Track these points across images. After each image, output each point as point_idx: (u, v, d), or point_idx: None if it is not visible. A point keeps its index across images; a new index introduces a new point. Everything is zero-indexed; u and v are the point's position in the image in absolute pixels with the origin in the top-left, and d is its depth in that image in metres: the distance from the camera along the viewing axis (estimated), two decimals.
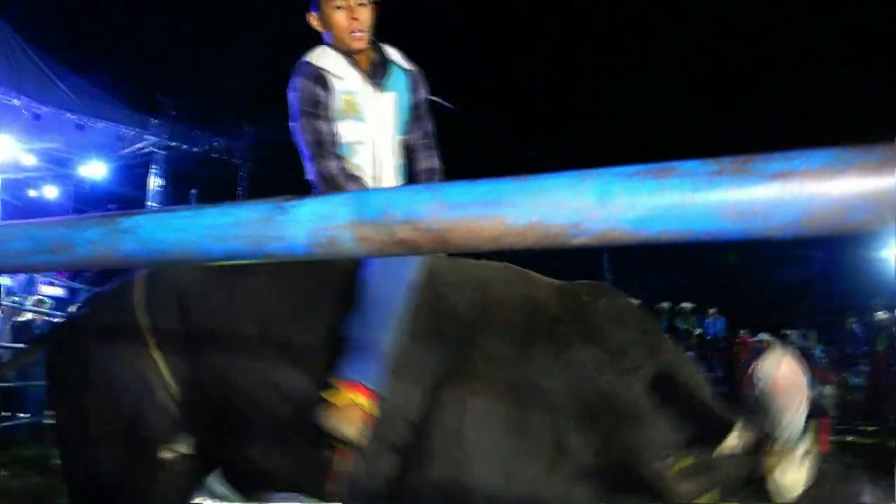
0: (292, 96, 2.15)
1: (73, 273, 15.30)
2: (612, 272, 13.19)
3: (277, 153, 13.85)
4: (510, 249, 0.55)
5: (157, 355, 1.88)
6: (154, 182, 15.16)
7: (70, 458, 2.04)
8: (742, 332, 12.89)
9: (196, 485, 2.05)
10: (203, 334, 1.90)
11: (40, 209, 14.91)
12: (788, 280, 14.68)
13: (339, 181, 2.06)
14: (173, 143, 15.04)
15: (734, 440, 1.65)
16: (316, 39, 2.24)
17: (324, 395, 1.79)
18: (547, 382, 1.80)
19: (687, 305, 13.69)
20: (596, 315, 1.94)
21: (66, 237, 0.74)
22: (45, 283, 13.59)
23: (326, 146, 2.10)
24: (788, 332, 12.87)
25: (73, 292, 13.29)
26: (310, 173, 2.16)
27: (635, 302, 2.18)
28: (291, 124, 2.16)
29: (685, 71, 14.19)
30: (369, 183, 2.15)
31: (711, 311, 13.51)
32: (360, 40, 2.16)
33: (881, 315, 11.52)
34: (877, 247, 12.07)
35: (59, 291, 13.38)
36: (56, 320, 8.24)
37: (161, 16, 12.96)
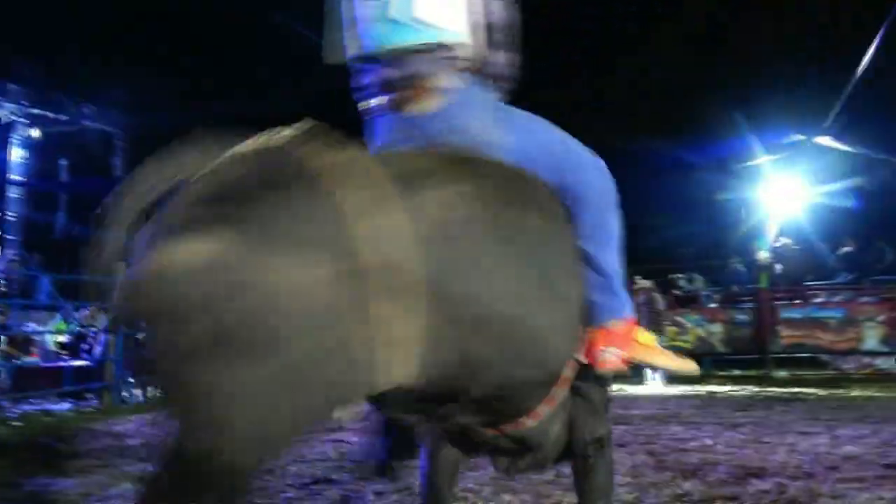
0: None
1: None
2: None
3: (158, 118, 12.93)
4: None
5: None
6: (16, 153, 13.85)
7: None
8: (635, 278, 13.44)
9: None
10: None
11: None
12: (674, 228, 15.38)
13: None
14: (35, 111, 13.77)
15: None
16: None
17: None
18: None
19: None
20: None
21: None
22: None
23: None
24: (677, 276, 13.52)
25: None
26: None
27: None
28: None
29: None
30: None
31: None
32: None
33: (762, 255, 12.25)
34: (752, 189, 12.81)
35: None
36: None
37: None
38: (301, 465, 4.56)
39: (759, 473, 4.09)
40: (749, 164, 12.05)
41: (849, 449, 4.85)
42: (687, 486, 3.84)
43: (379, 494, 3.72)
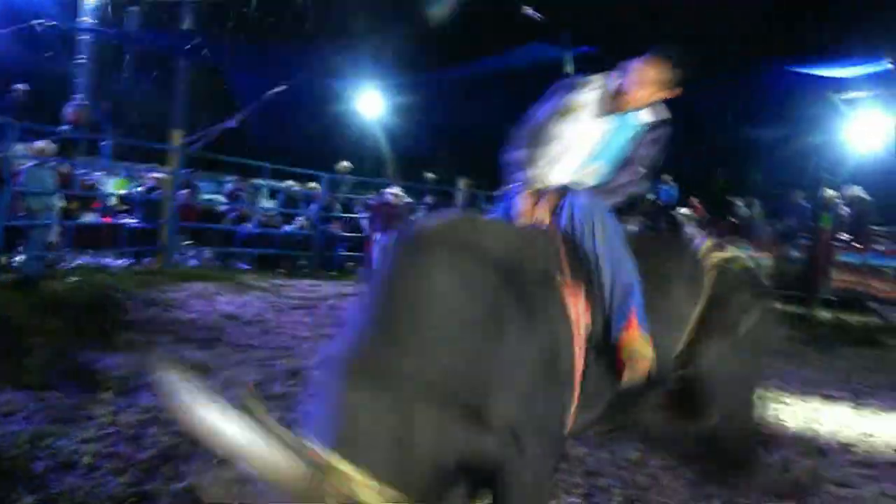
0: None
1: None
2: None
3: None
4: None
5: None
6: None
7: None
8: (693, 198, 13.13)
9: None
10: None
11: None
12: (740, 150, 14.75)
13: None
14: None
15: None
16: None
17: None
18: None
19: None
20: None
21: None
22: None
23: None
24: (735, 200, 13.13)
25: None
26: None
27: None
28: None
29: None
30: None
31: (666, 177, 13.55)
32: None
33: (828, 192, 11.71)
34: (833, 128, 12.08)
35: None
36: None
37: None
38: None
39: (770, 443, 4.09)
40: (844, 96, 11.25)
41: (869, 424, 4.82)
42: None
43: None
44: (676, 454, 3.74)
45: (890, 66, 10.58)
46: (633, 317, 2.26)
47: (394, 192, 10.00)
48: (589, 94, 2.72)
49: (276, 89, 11.54)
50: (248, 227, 10.72)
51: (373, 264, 9.85)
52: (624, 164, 2.69)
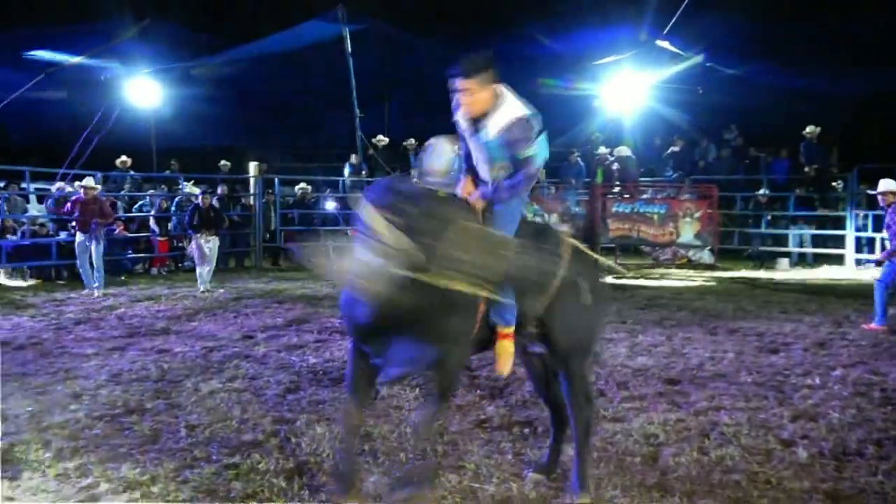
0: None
1: None
2: (361, 111, 12.88)
3: None
4: None
5: None
6: None
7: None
8: None
9: None
10: None
11: None
12: None
13: None
14: None
15: None
16: None
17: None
18: None
19: None
20: None
21: None
22: None
23: None
24: None
25: None
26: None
27: None
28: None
29: None
30: None
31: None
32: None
33: (601, 150, 12.78)
34: (598, 86, 13.16)
35: None
36: None
37: None
38: (115, 389, 4.46)
39: None
40: (599, 62, 12.30)
41: (641, 361, 5.37)
42: (490, 409, 4.14)
43: (192, 428, 3.73)
44: (472, 420, 4.00)
45: (643, 39, 11.72)
46: (508, 330, 2.88)
47: (85, 184, 9.06)
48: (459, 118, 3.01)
49: (30, 84, 10.39)
50: (15, 238, 9.65)
51: (80, 268, 8.89)
52: (513, 162, 2.89)
